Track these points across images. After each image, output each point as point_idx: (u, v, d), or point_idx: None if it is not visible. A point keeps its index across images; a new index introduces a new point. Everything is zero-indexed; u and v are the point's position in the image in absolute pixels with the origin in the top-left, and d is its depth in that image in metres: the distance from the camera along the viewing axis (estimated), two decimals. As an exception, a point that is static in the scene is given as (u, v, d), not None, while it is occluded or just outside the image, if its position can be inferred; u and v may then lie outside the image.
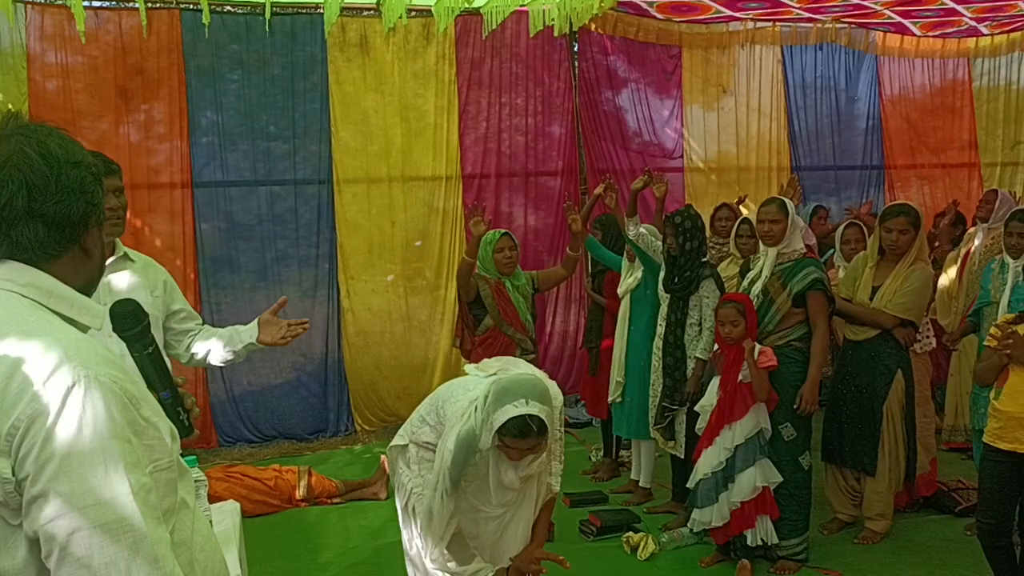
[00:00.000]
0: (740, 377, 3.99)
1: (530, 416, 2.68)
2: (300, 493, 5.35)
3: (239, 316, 6.89)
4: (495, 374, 2.99)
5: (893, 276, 4.34)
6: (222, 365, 3.03)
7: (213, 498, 5.03)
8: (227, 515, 2.57)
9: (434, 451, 3.01)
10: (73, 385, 1.20)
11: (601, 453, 6.01)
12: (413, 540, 3.18)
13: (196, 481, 2.28)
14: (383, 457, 5.81)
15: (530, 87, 7.85)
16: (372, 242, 7.42)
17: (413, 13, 7.24)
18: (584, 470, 5.95)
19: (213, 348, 2.96)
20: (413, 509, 3.11)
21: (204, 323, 3.18)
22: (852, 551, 4.40)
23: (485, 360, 3.26)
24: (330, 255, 7.32)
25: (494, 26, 7.16)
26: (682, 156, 8.54)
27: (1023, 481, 3.30)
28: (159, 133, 6.82)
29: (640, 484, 5.28)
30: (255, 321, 3.00)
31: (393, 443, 3.28)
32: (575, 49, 7.98)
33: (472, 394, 2.93)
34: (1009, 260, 4.47)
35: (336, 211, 7.29)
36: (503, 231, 4.84)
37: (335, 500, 5.44)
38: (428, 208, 7.54)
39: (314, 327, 7.28)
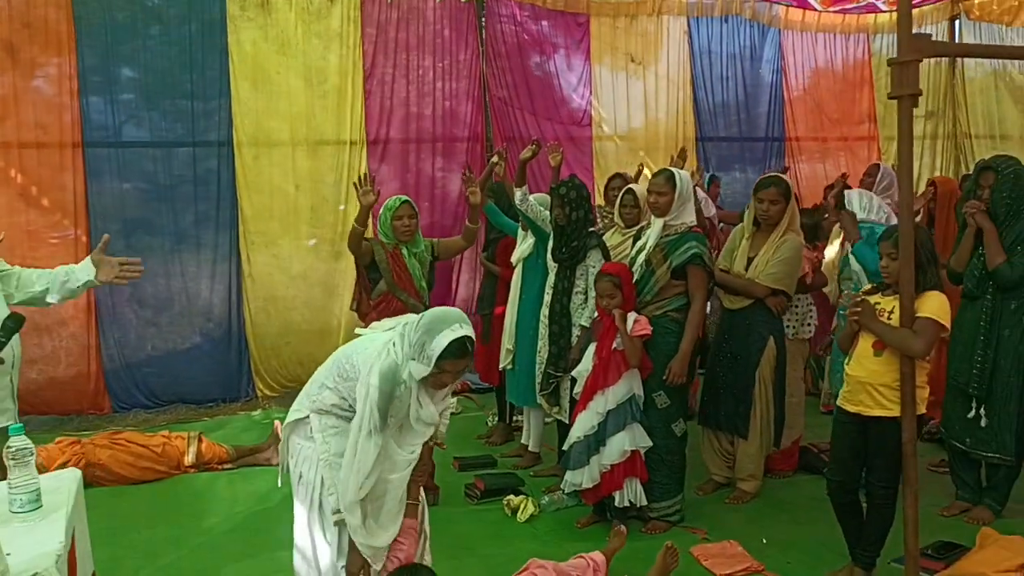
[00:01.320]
0: (614, 345, 4.10)
1: (467, 338, 2.80)
2: (189, 459, 5.31)
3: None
4: (392, 328, 3.02)
5: (766, 247, 4.49)
6: (58, 303, 3.25)
7: (96, 465, 5.02)
8: (63, 482, 2.53)
9: (339, 415, 2.98)
10: None
11: (496, 418, 6.11)
12: (311, 521, 3.04)
13: (20, 449, 2.26)
14: (276, 423, 5.81)
15: (437, 52, 7.80)
16: (274, 206, 7.33)
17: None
18: (479, 434, 6.04)
19: (52, 287, 3.18)
20: (321, 480, 2.97)
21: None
22: (723, 511, 4.59)
23: (375, 323, 3.27)
24: (230, 219, 7.21)
25: (398, -11, 7.10)
26: (590, 124, 8.60)
27: (868, 442, 3.48)
28: (47, 91, 6.60)
29: (529, 448, 5.40)
30: (87, 259, 3.18)
31: (289, 419, 3.10)
32: (483, 15, 7.94)
33: (378, 343, 2.94)
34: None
35: (237, 174, 7.17)
36: (404, 198, 4.83)
37: (226, 466, 5.42)
38: (333, 172, 7.47)
39: (216, 292, 7.20)
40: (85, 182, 6.68)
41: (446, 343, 2.76)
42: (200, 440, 5.42)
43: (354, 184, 4.71)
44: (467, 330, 2.82)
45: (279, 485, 3.17)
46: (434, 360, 2.77)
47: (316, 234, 7.50)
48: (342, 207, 7.47)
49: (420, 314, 2.94)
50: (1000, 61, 10.02)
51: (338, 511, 2.90)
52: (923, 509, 4.24)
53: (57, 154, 6.60)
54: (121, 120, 6.86)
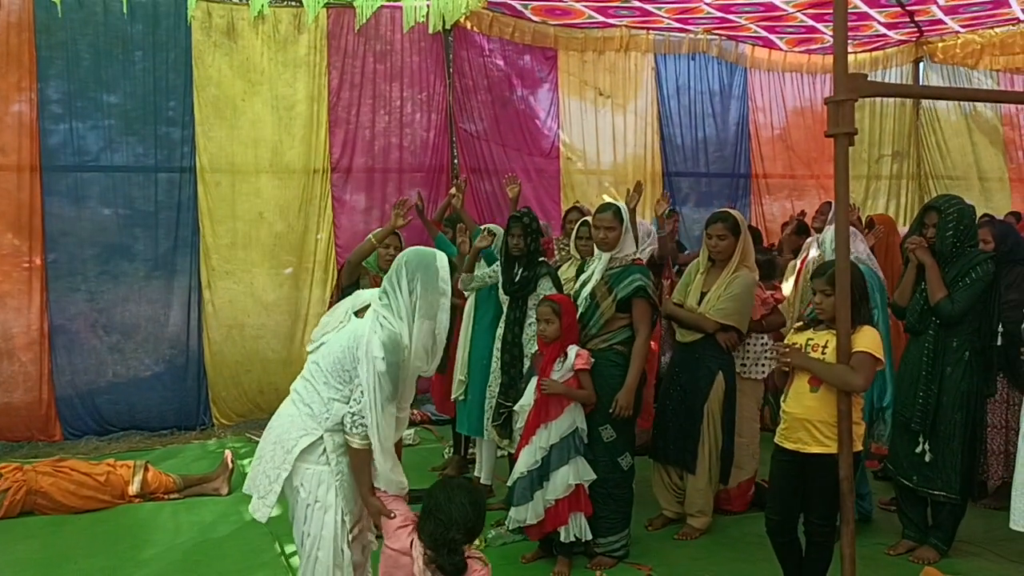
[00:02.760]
0: (557, 378, 4.07)
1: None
2: (134, 489, 5.21)
3: (79, 303, 6.72)
4: (355, 310, 3.06)
5: (718, 282, 4.51)
6: None
7: (38, 492, 4.93)
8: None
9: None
10: None
11: (452, 450, 6.05)
12: (336, 538, 2.96)
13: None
14: (227, 452, 5.74)
15: (405, 82, 7.85)
16: (237, 233, 7.29)
17: (282, 1, 7.16)
18: (433, 466, 5.98)
19: None
20: (339, 499, 2.95)
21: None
22: (671, 547, 4.55)
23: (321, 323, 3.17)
24: (191, 246, 7.15)
25: (364, 20, 7.15)
26: (558, 157, 8.65)
27: (806, 480, 3.46)
28: (3, 112, 6.55)
29: (481, 481, 5.33)
30: None
31: (300, 446, 2.91)
32: (451, 46, 7.99)
33: (362, 328, 2.92)
34: None
35: (200, 201, 7.13)
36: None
37: (172, 496, 5.32)
38: (299, 200, 7.45)
39: (177, 318, 7.14)
40: (42, 205, 6.61)
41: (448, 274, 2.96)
42: (146, 469, 5.33)
43: (394, 205, 4.89)
44: (439, 253, 2.99)
45: (268, 517, 3.01)
46: (448, 298, 2.94)
47: (284, 262, 7.46)
48: (320, 235, 7.44)
49: (392, 286, 2.94)
50: (971, 104, 10.21)
51: (353, 528, 2.97)
52: (870, 547, 4.29)
53: (14, 177, 6.53)
54: (81, 145, 6.81)
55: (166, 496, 5.31)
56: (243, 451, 6.37)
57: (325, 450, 2.93)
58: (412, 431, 6.85)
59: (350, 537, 2.98)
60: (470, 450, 5.91)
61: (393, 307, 2.93)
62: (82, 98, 6.77)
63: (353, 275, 4.78)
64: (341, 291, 4.86)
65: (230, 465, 5.59)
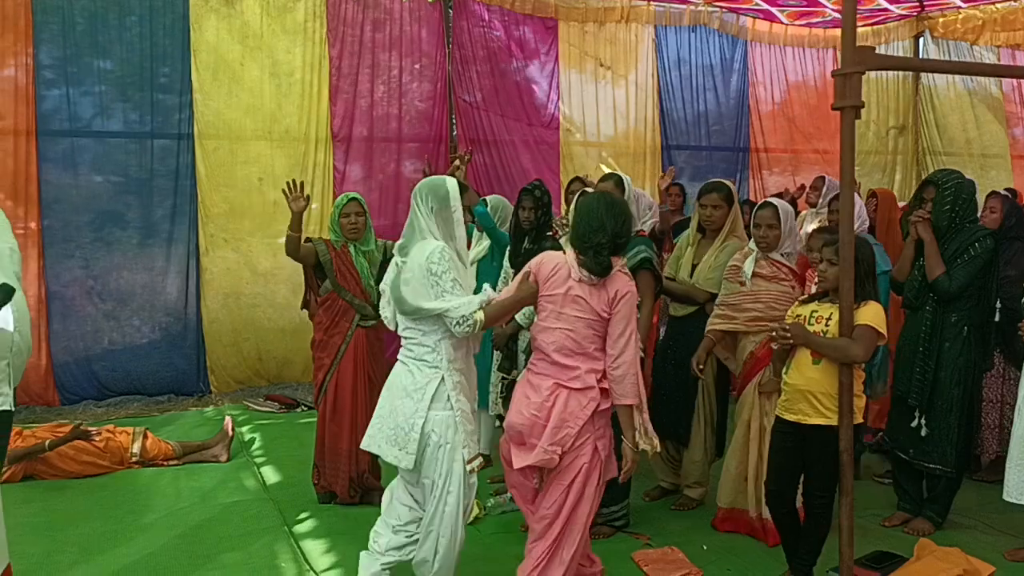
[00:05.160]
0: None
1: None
2: (133, 455, 5.23)
3: (75, 270, 6.70)
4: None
5: (708, 253, 4.52)
6: None
7: (39, 459, 4.94)
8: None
9: (458, 367, 3.31)
10: None
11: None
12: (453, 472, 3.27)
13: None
14: (228, 419, 5.76)
15: (404, 52, 7.79)
16: (236, 201, 7.27)
17: (282, -33, 7.10)
18: (431, 436, 6.01)
19: None
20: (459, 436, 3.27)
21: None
22: (667, 517, 4.59)
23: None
24: (191, 213, 7.13)
25: (363, -13, 7.07)
26: (558, 128, 8.61)
27: (805, 452, 3.49)
28: (3, 80, 6.49)
29: (480, 451, 5.36)
30: None
31: (427, 394, 3.24)
32: (450, 16, 7.92)
33: (417, 254, 3.26)
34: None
35: (198, 168, 7.09)
36: (352, 195, 4.78)
37: (171, 462, 5.35)
38: (298, 168, 7.41)
39: (175, 286, 7.13)
40: (38, 171, 6.57)
41: (457, 192, 3.34)
42: (145, 436, 5.35)
43: (283, 191, 4.61)
44: (448, 179, 3.41)
45: (411, 465, 3.24)
46: (460, 211, 3.34)
47: (280, 231, 7.42)
48: (315, 205, 7.41)
49: (417, 214, 3.31)
50: (976, 78, 10.17)
51: (472, 459, 3.29)
52: (865, 519, 4.33)
53: (10, 141, 6.49)
54: (76, 109, 6.75)
55: (165, 462, 5.33)
56: (241, 419, 6.40)
57: (448, 395, 3.24)
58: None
59: (469, 468, 3.29)
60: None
61: (427, 229, 3.30)
62: (76, 63, 6.71)
63: (307, 259, 4.72)
64: (312, 269, 4.83)
65: (230, 432, 5.61)
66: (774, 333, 3.50)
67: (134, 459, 5.25)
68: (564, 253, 3.29)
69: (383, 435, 3.31)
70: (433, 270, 3.20)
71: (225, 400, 7.03)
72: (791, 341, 3.42)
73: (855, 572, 3.39)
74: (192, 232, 7.13)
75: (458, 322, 3.18)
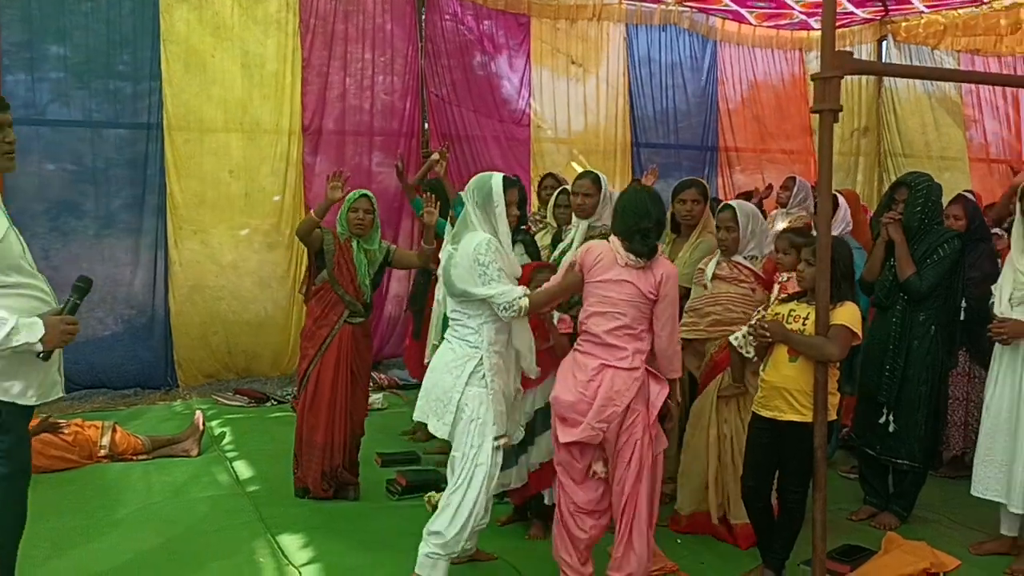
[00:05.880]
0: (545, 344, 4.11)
1: (504, 177, 3.66)
2: (102, 449, 5.17)
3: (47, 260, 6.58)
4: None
5: (684, 250, 4.58)
6: None
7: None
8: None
9: (497, 351, 3.52)
10: None
11: (422, 415, 6.08)
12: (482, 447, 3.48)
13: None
14: (198, 413, 5.72)
15: (377, 45, 7.76)
16: (205, 193, 7.18)
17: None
18: (404, 431, 6.02)
19: None
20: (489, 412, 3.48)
21: None
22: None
23: None
24: (159, 205, 7.03)
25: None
26: (529, 124, 8.64)
27: (781, 448, 3.57)
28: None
29: (453, 445, 5.39)
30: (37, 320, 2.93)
31: (465, 372, 3.46)
32: (423, 10, 7.91)
33: (466, 245, 3.49)
34: None
35: (167, 159, 7.00)
36: (363, 192, 4.78)
37: (141, 457, 5.28)
38: (269, 161, 7.35)
39: (141, 278, 7.03)
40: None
41: (500, 188, 3.55)
42: (114, 430, 5.28)
43: (327, 176, 4.72)
44: (496, 175, 3.63)
45: (446, 435, 3.51)
46: (502, 206, 3.54)
47: (250, 224, 7.37)
48: (277, 197, 7.36)
49: (466, 209, 3.56)
50: (934, 83, 10.40)
51: (500, 436, 3.50)
52: (833, 513, 4.40)
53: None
54: (46, 98, 6.63)
55: (134, 457, 5.27)
56: (210, 413, 6.34)
57: (485, 375, 3.45)
58: (380, 396, 6.88)
59: (496, 444, 3.49)
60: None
61: (474, 222, 3.54)
62: (43, 49, 6.58)
63: (312, 245, 4.73)
64: (314, 256, 4.82)
65: (200, 427, 5.56)
66: (753, 329, 3.57)
67: (103, 452, 5.18)
68: (607, 242, 3.50)
69: (429, 407, 3.58)
70: (480, 260, 3.41)
71: (193, 394, 6.95)
72: (770, 338, 3.49)
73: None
74: (160, 223, 7.03)
75: (504, 307, 3.39)
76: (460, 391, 3.46)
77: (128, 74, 6.89)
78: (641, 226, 3.37)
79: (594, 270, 3.43)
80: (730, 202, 4.41)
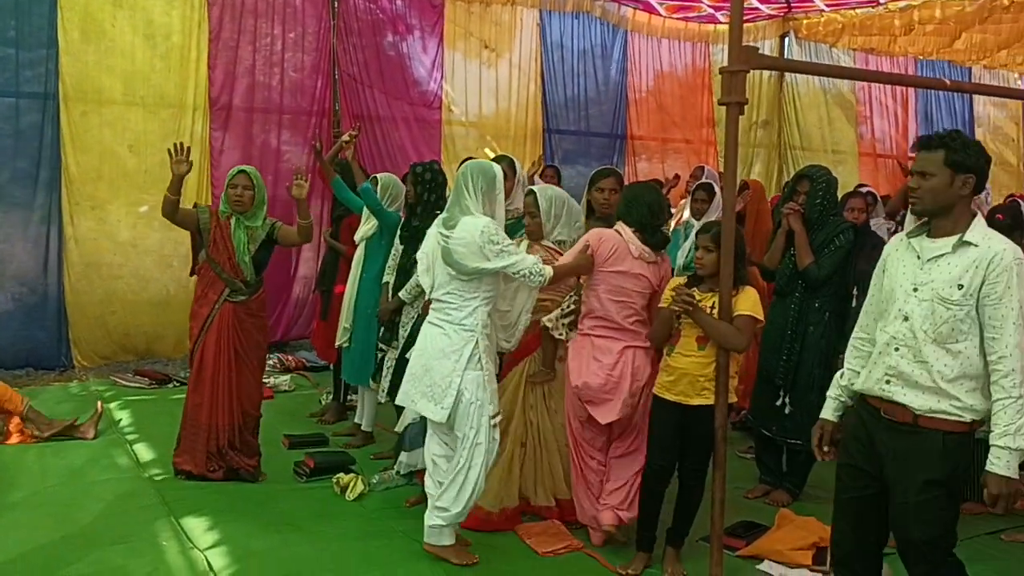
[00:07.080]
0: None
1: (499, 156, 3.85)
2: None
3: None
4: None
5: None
6: None
7: None
8: None
9: (490, 334, 3.65)
10: None
11: (331, 396, 6.05)
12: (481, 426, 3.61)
13: None
14: (100, 403, 5.55)
15: (287, 21, 7.62)
16: (104, 167, 6.95)
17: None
18: (311, 413, 5.97)
19: None
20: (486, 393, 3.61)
21: None
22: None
23: None
24: (52, 179, 6.75)
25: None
26: (440, 108, 8.61)
27: (685, 429, 3.69)
28: None
29: (362, 428, 5.38)
30: None
31: (464, 356, 3.55)
32: (336, -12, 7.80)
33: (465, 229, 3.53)
34: (693, 221, 4.99)
35: (62, 131, 6.72)
36: (242, 168, 4.65)
37: (32, 434, 5.08)
38: (172, 136, 7.10)
39: (34, 256, 6.75)
40: None
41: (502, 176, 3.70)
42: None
43: (168, 151, 4.46)
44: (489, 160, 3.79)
45: (443, 419, 3.58)
46: (502, 193, 3.69)
47: (150, 200, 7.13)
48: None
49: (463, 192, 3.60)
50: (830, 80, 10.84)
51: (494, 415, 3.64)
52: (730, 490, 4.52)
53: None
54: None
55: (16, 415, 5.09)
56: (108, 394, 6.15)
57: (479, 357, 3.56)
58: (287, 377, 6.80)
59: (493, 423, 3.64)
60: (349, 397, 5.93)
61: (472, 207, 3.59)
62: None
63: (185, 224, 4.63)
64: (197, 236, 4.71)
65: (99, 409, 5.39)
66: (674, 296, 3.61)
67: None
68: (616, 232, 3.74)
69: (418, 391, 3.66)
70: (493, 239, 3.52)
71: (90, 375, 6.73)
72: (690, 307, 3.53)
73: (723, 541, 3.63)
74: (54, 198, 6.76)
75: (529, 274, 3.55)
76: (460, 375, 3.56)
77: (19, 41, 6.57)
78: (652, 222, 3.71)
79: (608, 260, 3.69)
80: (532, 187, 4.46)
